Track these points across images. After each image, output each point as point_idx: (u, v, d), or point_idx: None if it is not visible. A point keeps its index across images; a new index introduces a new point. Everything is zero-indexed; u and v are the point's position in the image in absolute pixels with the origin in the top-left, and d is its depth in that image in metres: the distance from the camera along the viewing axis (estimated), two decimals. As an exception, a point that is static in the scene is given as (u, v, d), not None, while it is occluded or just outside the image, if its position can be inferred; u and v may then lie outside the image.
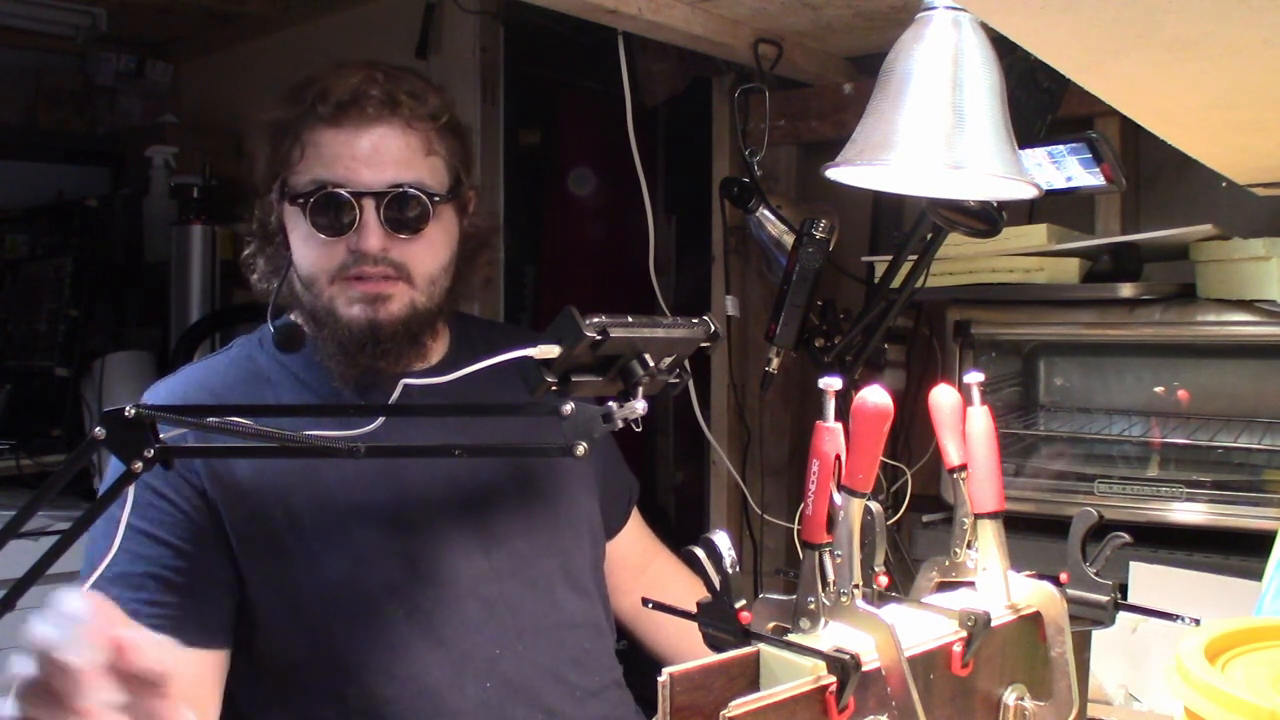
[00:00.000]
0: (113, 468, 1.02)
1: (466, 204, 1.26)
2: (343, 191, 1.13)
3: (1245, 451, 1.50)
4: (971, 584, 0.93)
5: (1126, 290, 1.47)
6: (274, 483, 1.13)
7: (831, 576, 0.78)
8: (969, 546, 0.93)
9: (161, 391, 1.20)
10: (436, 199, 1.17)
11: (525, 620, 1.19)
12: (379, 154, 1.15)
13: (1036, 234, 1.54)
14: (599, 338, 0.85)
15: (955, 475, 0.93)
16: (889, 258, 1.42)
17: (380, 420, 0.99)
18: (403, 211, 1.15)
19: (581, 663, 1.23)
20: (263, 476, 1.13)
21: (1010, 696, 0.88)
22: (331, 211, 1.14)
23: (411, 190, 1.15)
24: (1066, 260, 1.55)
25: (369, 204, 1.14)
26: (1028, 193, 0.99)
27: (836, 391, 0.78)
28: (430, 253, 1.19)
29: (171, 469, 1.04)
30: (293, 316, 1.23)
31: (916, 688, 0.75)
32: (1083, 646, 0.96)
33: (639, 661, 1.39)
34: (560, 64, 2.66)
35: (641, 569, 1.45)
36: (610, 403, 0.90)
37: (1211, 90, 0.83)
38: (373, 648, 1.11)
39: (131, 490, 0.98)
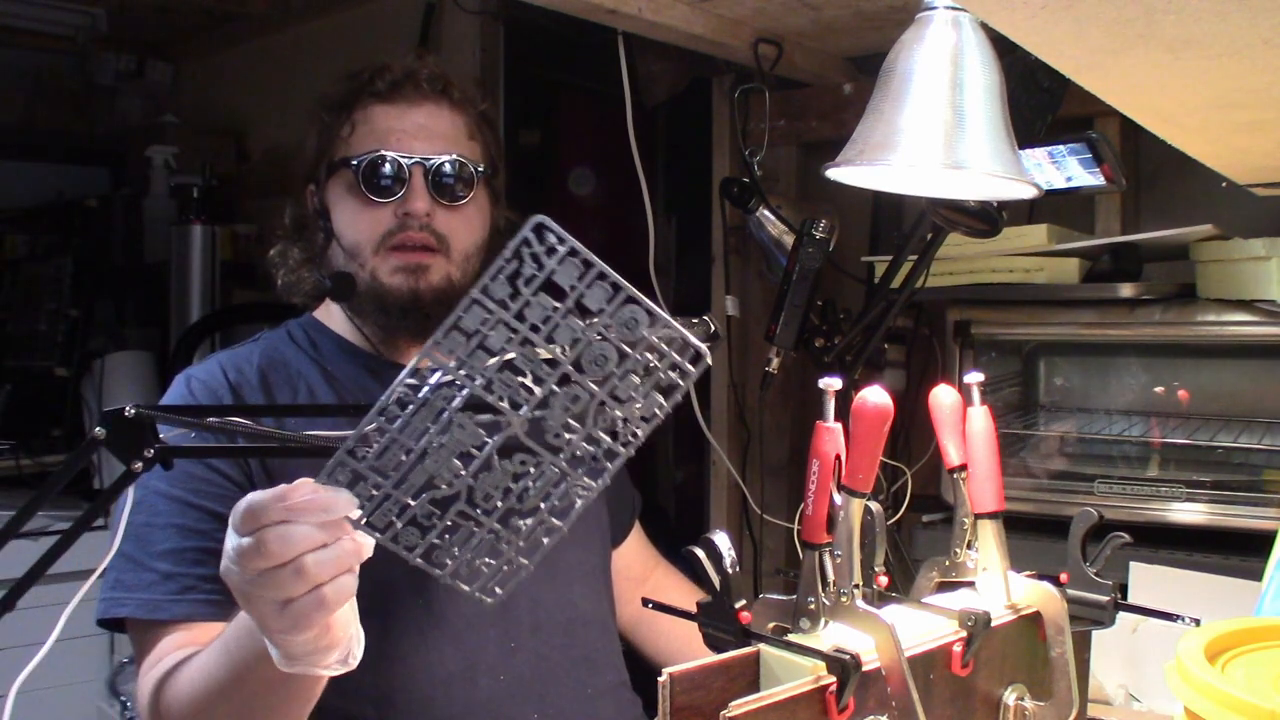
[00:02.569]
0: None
1: (499, 195, 1.30)
2: (394, 156, 1.19)
3: (1245, 451, 1.50)
4: (971, 584, 0.93)
5: (1126, 290, 1.47)
6: (297, 466, 1.12)
7: (831, 576, 0.78)
8: (969, 546, 0.93)
9: (200, 375, 1.20)
10: (480, 171, 1.24)
11: (541, 614, 1.20)
12: (429, 129, 1.22)
13: (1036, 234, 1.54)
14: (599, 337, 0.85)
15: (955, 475, 0.93)
16: (889, 258, 1.42)
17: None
18: (448, 180, 1.21)
19: (592, 661, 1.23)
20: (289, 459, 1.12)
21: (1010, 696, 0.88)
22: (381, 175, 1.19)
23: (458, 159, 1.22)
24: (1066, 260, 1.55)
25: (417, 170, 1.20)
26: (1028, 193, 0.99)
27: (836, 391, 0.78)
28: (468, 228, 1.23)
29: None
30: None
31: (916, 688, 0.75)
32: (1083, 646, 0.96)
33: (640, 665, 1.38)
34: (560, 64, 2.66)
35: (642, 579, 1.45)
36: (610, 403, 0.90)
37: (1211, 90, 0.83)
38: (387, 637, 1.11)
39: (131, 491, 0.97)
